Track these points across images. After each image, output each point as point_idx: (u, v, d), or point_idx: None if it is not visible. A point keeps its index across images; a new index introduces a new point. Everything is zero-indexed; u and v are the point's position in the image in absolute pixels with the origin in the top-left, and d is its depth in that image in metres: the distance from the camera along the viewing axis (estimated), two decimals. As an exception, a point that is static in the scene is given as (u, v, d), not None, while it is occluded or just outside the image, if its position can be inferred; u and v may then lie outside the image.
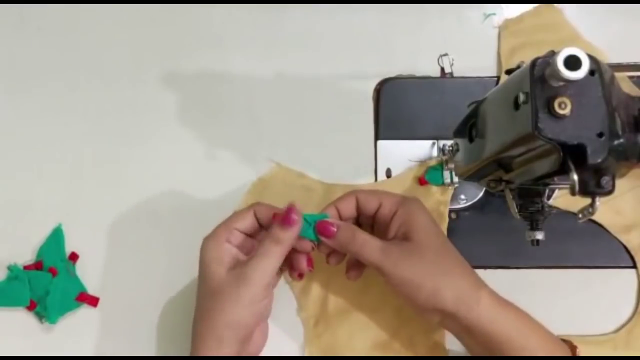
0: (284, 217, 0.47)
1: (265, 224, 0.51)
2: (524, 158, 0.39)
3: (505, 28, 0.63)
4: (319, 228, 0.49)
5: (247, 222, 0.51)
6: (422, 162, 0.60)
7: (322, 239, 0.49)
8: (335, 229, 0.49)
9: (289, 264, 0.51)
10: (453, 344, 0.56)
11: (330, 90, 0.63)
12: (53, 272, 0.57)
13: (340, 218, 0.51)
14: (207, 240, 0.50)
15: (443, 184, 0.58)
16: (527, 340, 0.46)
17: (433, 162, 0.59)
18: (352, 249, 0.49)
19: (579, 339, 0.54)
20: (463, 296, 0.46)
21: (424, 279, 0.46)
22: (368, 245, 0.48)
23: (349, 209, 0.51)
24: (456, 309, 0.46)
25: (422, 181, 0.59)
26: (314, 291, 0.57)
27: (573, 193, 0.35)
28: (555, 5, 0.64)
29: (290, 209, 0.48)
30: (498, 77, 0.62)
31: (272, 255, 0.47)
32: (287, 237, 0.48)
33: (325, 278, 0.57)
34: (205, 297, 0.48)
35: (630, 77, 0.59)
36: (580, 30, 0.62)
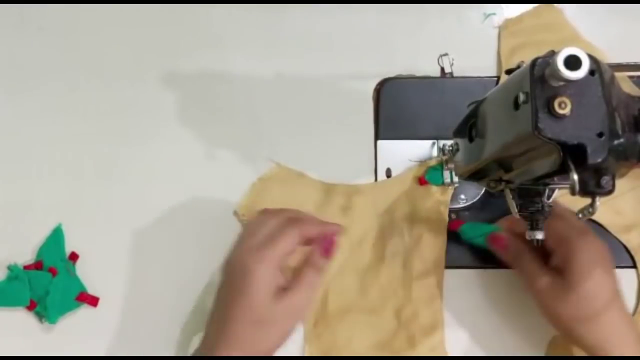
0: (326, 248, 0.49)
1: (306, 243, 0.50)
2: (524, 158, 0.39)
3: (505, 28, 0.63)
4: (492, 239, 0.53)
5: (294, 245, 0.49)
6: (422, 162, 0.60)
7: (493, 249, 0.53)
8: (506, 243, 0.53)
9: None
10: (453, 346, 0.56)
11: (330, 90, 0.63)
12: (53, 272, 0.58)
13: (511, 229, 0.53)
14: (258, 266, 0.46)
15: (443, 183, 0.58)
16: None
17: (433, 162, 0.59)
18: (515, 266, 0.52)
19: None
20: (605, 344, 0.47)
21: (572, 323, 0.48)
22: (531, 272, 0.50)
23: (520, 226, 0.50)
24: (593, 351, 0.47)
25: (422, 181, 0.59)
26: None
27: (573, 193, 0.35)
28: (556, 5, 0.63)
29: (331, 241, 0.50)
30: (498, 77, 0.62)
31: (317, 286, 0.49)
32: (328, 266, 0.49)
33: (325, 278, 0.57)
34: (248, 323, 0.46)
35: (630, 77, 0.59)
36: (580, 30, 0.62)
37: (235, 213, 0.60)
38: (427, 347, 0.55)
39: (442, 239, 0.57)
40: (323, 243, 0.49)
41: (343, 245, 0.56)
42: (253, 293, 0.46)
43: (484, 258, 0.56)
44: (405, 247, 0.58)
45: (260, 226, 0.49)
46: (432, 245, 0.57)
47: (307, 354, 0.56)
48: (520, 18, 0.63)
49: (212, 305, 0.49)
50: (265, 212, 0.52)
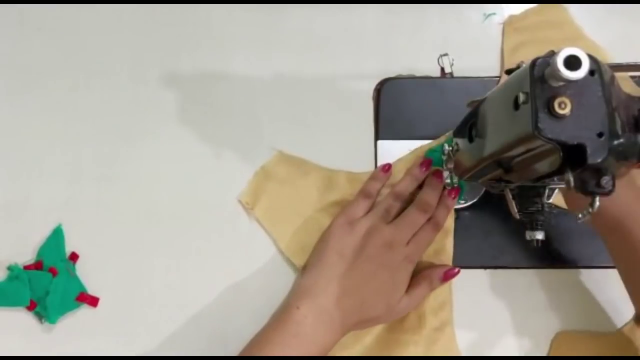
0: (446, 278, 0.56)
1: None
2: (524, 158, 0.39)
3: (509, 24, 0.63)
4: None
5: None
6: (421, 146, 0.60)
7: None
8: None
9: None
10: (458, 345, 0.56)
11: (330, 90, 0.63)
12: (53, 272, 0.58)
13: None
14: (408, 266, 0.55)
15: (442, 165, 0.58)
16: None
17: (433, 145, 0.59)
18: None
19: (580, 336, 0.54)
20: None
21: None
22: None
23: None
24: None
25: None
26: None
27: (569, 189, 0.36)
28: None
29: (453, 274, 0.56)
30: (499, 77, 0.62)
31: (423, 298, 0.57)
32: (438, 286, 0.57)
33: None
34: (384, 308, 0.53)
35: (632, 77, 0.59)
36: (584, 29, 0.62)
37: (240, 202, 0.60)
38: (435, 325, 0.56)
39: (449, 221, 0.58)
40: (447, 271, 0.56)
41: None
42: (402, 285, 0.54)
43: (484, 258, 0.57)
44: None
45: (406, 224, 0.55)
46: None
47: None
48: (524, 15, 0.63)
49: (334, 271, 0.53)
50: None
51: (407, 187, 0.58)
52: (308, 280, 0.54)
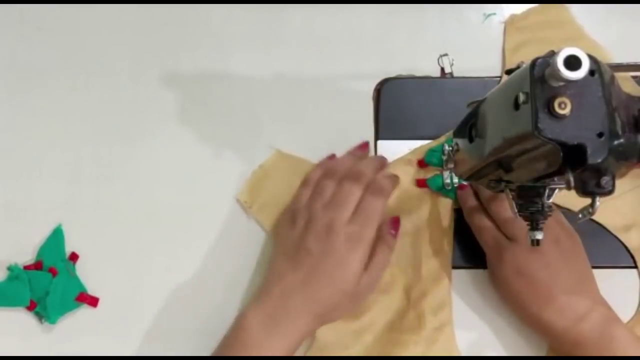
0: (395, 227, 0.54)
1: None
2: (524, 158, 0.39)
3: (511, 23, 0.63)
4: (460, 187, 0.57)
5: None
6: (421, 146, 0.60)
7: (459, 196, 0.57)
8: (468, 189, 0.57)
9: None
10: (458, 345, 0.56)
11: (330, 90, 0.63)
12: (53, 272, 0.58)
13: None
14: (360, 245, 0.51)
15: (441, 165, 0.58)
16: None
17: (433, 144, 0.59)
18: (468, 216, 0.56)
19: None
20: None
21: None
22: (482, 225, 0.55)
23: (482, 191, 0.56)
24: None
25: (421, 164, 0.59)
26: None
27: (569, 188, 0.36)
28: (562, 3, 0.63)
29: (397, 220, 0.55)
30: (500, 77, 0.62)
31: (388, 263, 0.54)
32: (395, 243, 0.55)
33: None
34: (339, 292, 0.50)
35: (634, 77, 0.59)
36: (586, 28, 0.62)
37: (238, 200, 0.60)
38: (435, 325, 0.56)
39: (448, 218, 0.58)
40: (391, 223, 0.54)
41: None
42: (353, 267, 0.50)
43: (484, 258, 0.56)
44: (413, 227, 0.58)
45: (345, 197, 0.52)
46: (439, 225, 0.58)
47: (317, 333, 0.56)
48: (526, 14, 0.63)
49: (284, 259, 0.52)
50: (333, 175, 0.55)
51: (342, 163, 0.55)
52: (259, 288, 0.53)
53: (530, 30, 0.63)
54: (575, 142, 0.34)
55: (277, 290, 0.51)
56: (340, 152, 0.61)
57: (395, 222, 0.54)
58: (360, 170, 0.53)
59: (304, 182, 0.57)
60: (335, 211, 0.51)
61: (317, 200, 0.53)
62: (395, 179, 0.56)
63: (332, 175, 0.54)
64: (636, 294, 0.57)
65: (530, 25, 0.63)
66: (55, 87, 0.64)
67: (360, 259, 0.51)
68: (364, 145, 0.57)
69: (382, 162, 0.56)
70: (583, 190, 0.36)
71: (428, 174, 0.59)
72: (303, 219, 0.53)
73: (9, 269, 0.58)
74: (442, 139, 0.59)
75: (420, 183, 0.59)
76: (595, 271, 0.56)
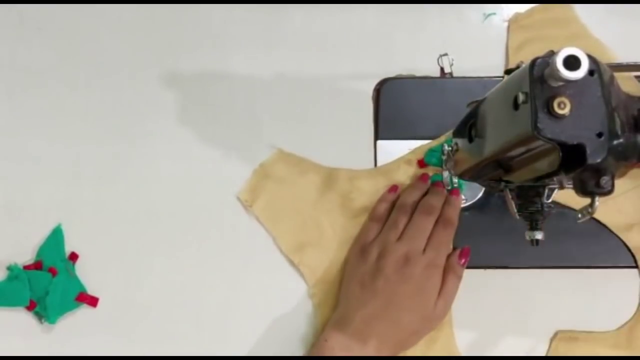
0: (464, 257, 0.56)
1: None
2: (524, 158, 0.39)
3: (514, 21, 0.63)
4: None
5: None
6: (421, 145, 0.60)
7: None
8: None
9: None
10: (459, 345, 0.56)
11: (330, 90, 0.63)
12: (53, 272, 0.58)
13: None
14: (437, 271, 0.54)
15: (441, 165, 0.58)
16: None
17: (433, 144, 0.59)
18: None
19: (580, 334, 0.54)
20: None
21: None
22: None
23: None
24: None
25: (420, 163, 0.59)
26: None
27: (562, 187, 0.36)
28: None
29: (467, 251, 0.56)
30: (502, 77, 0.62)
31: (457, 291, 0.56)
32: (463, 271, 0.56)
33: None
34: (420, 317, 0.53)
35: (637, 77, 0.59)
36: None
37: (239, 199, 0.60)
38: None
39: None
40: (461, 253, 0.56)
41: (348, 224, 0.59)
42: (431, 293, 0.53)
43: (484, 258, 0.57)
44: None
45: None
46: None
47: (319, 317, 0.57)
48: (530, 12, 0.63)
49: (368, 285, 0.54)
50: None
51: (410, 196, 0.57)
52: (337, 314, 0.55)
53: (534, 29, 0.62)
54: (575, 142, 0.34)
55: (358, 316, 0.52)
56: (340, 152, 0.61)
57: (465, 253, 0.56)
58: (431, 204, 0.56)
59: (372, 217, 0.58)
60: (411, 243, 0.54)
61: (391, 234, 0.55)
62: (455, 210, 0.57)
63: (402, 209, 0.57)
64: (636, 294, 0.57)
65: (535, 23, 0.63)
66: (55, 87, 0.64)
67: (435, 286, 0.54)
68: (425, 177, 0.59)
69: (444, 194, 0.58)
70: (582, 190, 0.36)
71: (428, 173, 0.59)
72: (376, 251, 0.55)
73: (9, 268, 0.59)
74: (442, 138, 0.59)
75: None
76: (596, 271, 0.57)
